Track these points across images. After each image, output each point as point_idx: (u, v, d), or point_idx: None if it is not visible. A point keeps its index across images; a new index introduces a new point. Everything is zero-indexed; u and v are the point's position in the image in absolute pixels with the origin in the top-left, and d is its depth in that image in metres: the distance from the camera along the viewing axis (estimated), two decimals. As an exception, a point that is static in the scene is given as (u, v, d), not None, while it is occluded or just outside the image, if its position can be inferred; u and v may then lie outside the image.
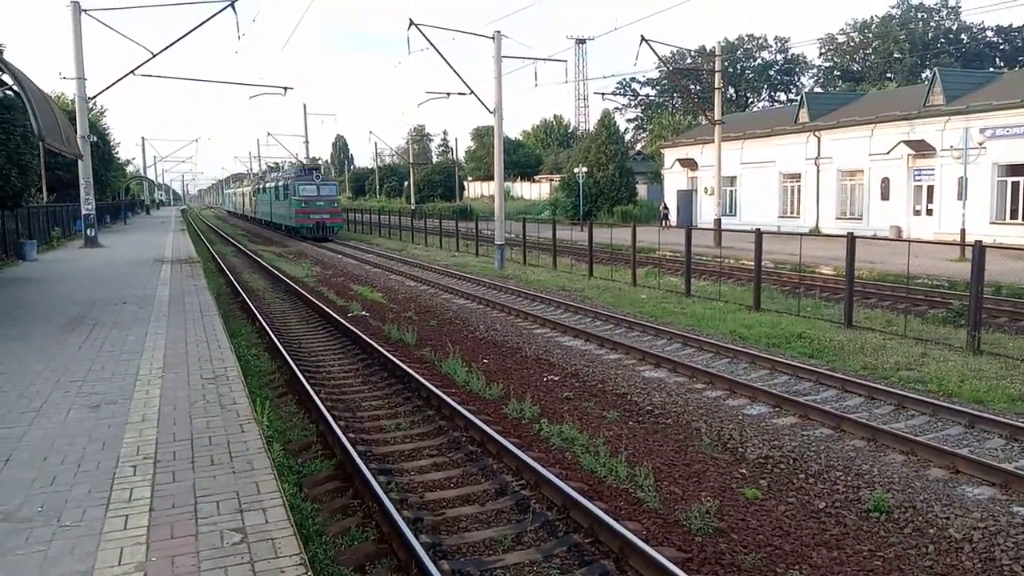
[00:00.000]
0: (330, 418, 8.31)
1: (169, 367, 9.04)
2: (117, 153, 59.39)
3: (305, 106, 59.20)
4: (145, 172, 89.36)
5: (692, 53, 77.47)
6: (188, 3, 27.50)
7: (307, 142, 57.91)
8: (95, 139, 32.51)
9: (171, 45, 27.70)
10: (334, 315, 15.21)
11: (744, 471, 7.51)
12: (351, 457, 7.14)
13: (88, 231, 29.35)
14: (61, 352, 9.95)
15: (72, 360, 9.48)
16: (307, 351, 12.84)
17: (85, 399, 7.71)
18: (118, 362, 9.34)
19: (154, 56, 27.43)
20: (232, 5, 26.01)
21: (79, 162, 28.10)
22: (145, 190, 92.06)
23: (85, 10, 27.10)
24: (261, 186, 58.14)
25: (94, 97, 30.50)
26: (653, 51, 30.95)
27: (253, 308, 15.96)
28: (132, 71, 28.08)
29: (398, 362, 11.11)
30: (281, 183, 46.95)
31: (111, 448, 6.23)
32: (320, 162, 63.40)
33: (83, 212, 29.40)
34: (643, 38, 28.98)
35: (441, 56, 25.75)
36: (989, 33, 78.83)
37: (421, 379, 10.06)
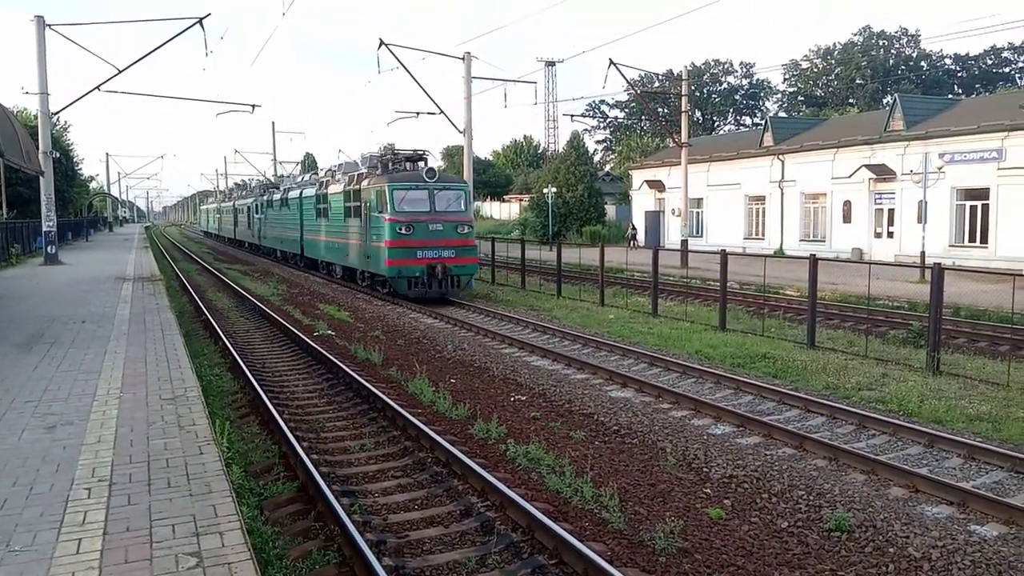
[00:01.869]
0: (293, 439, 8.19)
1: (127, 387, 8.87)
2: (80, 169, 58.60)
3: (274, 124, 58.86)
4: (109, 189, 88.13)
5: (660, 77, 78.51)
6: (156, 20, 27.42)
7: (275, 160, 57.63)
8: (58, 155, 32.04)
9: (137, 61, 27.49)
10: (299, 334, 15.05)
11: (708, 491, 7.53)
12: (313, 479, 7.04)
13: (48, 248, 28.82)
14: (16, 371, 9.72)
15: (28, 379, 9.27)
16: (271, 371, 12.68)
17: (40, 420, 7.53)
18: (75, 382, 9.15)
19: (120, 72, 27.22)
20: (200, 22, 25.93)
21: (40, 178, 27.64)
22: (108, 207, 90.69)
23: (50, 25, 26.78)
24: (280, 197, 36.08)
25: (57, 113, 30.08)
26: (621, 74, 31.36)
27: (216, 327, 15.74)
28: (97, 87, 27.81)
29: (363, 382, 11.01)
30: (341, 189, 25.33)
31: (66, 470, 6.08)
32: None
33: (44, 229, 28.87)
34: (611, 61, 29.40)
35: (411, 76, 25.86)
36: (948, 61, 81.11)
37: (387, 399, 9.97)
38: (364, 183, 22.87)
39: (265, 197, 40.42)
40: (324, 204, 27.57)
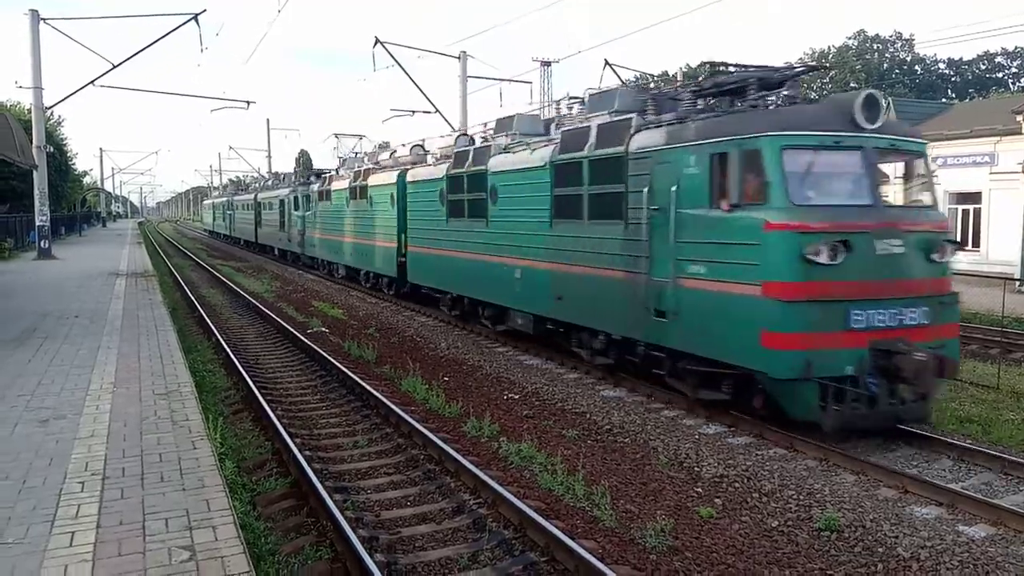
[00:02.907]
0: (286, 435, 8.21)
1: (120, 382, 8.87)
2: (74, 164, 58.41)
3: (268, 120, 58.80)
4: (102, 184, 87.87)
5: (655, 78, 78.67)
6: (151, 15, 27.36)
7: (270, 156, 57.55)
8: (51, 149, 31.96)
9: (132, 56, 27.44)
10: (293, 331, 15.05)
11: (699, 490, 7.57)
12: (306, 475, 7.05)
13: (42, 243, 28.74)
14: (9, 366, 9.71)
15: (21, 374, 9.26)
16: (264, 367, 12.68)
17: (33, 414, 7.53)
18: (68, 376, 9.14)
19: (115, 67, 27.18)
20: (196, 18, 25.89)
21: (34, 172, 27.57)
22: (102, 202, 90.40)
23: (44, 19, 26.73)
24: (349, 185, 24.06)
25: (51, 107, 30.04)
26: (616, 75, 31.30)
27: (210, 323, 15.73)
28: (92, 82, 27.77)
29: (357, 379, 11.02)
30: (544, 161, 12.22)
31: (59, 464, 6.09)
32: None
33: (37, 223, 28.81)
34: (607, 62, 29.38)
35: (407, 74, 25.89)
36: (941, 65, 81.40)
37: (380, 396, 9.99)
38: (640, 140, 10.26)
39: (315, 186, 28.79)
40: (474, 192, 15.19)
